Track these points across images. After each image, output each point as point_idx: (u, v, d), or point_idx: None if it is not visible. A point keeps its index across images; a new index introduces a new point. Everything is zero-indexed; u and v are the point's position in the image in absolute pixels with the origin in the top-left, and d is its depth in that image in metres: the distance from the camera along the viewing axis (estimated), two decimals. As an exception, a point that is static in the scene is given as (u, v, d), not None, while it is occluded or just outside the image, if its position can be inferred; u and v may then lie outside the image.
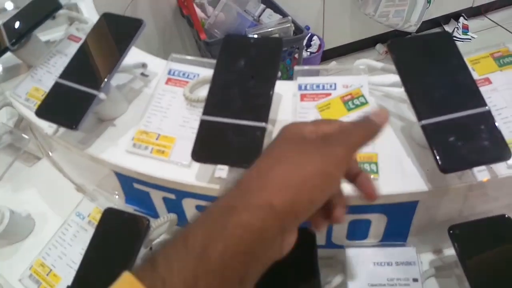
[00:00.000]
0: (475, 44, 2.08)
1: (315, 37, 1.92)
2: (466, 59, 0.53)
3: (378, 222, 0.51)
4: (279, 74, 1.61)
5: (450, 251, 0.54)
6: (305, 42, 1.90)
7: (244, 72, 0.46)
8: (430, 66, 0.47)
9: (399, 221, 0.51)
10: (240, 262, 0.24)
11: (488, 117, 0.44)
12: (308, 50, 1.92)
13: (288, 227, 0.27)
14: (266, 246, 0.25)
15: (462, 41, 2.15)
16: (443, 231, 0.50)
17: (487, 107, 0.44)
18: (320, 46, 1.91)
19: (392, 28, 1.85)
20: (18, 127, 0.82)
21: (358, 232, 0.53)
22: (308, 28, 1.89)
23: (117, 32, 0.57)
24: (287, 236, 0.27)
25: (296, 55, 1.66)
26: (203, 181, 0.50)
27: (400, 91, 0.55)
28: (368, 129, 0.32)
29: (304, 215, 0.27)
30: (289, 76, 1.67)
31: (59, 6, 0.66)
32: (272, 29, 1.55)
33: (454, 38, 2.19)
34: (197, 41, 1.66)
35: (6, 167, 0.76)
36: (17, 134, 0.79)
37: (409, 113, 0.53)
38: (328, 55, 1.99)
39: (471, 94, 0.45)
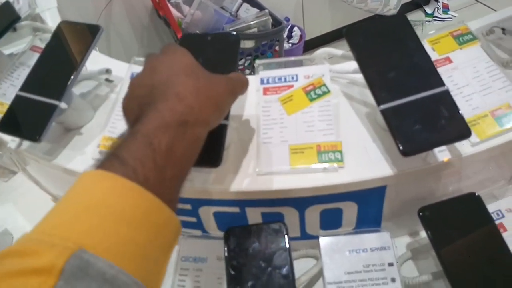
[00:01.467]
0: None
1: (295, 28, 1.91)
2: (426, 40, 0.53)
3: (349, 210, 0.51)
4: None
5: (425, 233, 0.54)
6: (286, 34, 1.89)
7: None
8: (386, 50, 0.47)
9: (370, 207, 0.51)
10: (190, 159, 0.33)
11: (446, 96, 0.43)
12: (289, 41, 1.92)
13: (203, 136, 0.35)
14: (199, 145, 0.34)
15: (444, 20, 2.14)
16: (416, 213, 0.50)
17: (445, 87, 0.44)
18: (301, 36, 1.90)
19: (372, 14, 1.84)
20: (-8, 143, 0.81)
21: (331, 221, 0.53)
22: (287, 19, 1.88)
23: (75, 40, 0.57)
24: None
25: (277, 48, 1.66)
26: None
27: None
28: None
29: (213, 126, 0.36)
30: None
31: (17, 18, 0.65)
32: (250, 23, 1.54)
33: (436, 18, 2.19)
34: (176, 41, 1.65)
35: (-18, 183, 0.75)
36: (-9, 150, 0.78)
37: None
38: (311, 45, 1.98)
39: (428, 75, 0.45)
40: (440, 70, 0.49)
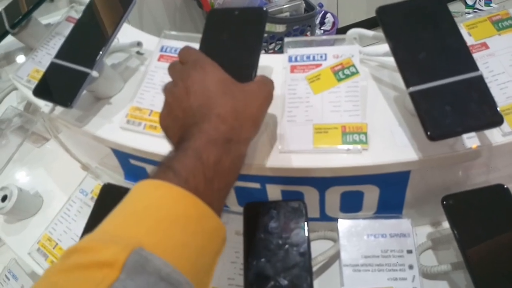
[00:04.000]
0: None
1: (328, 15, 1.88)
2: (463, 24, 0.51)
3: (370, 194, 0.51)
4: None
5: (448, 224, 0.53)
6: (318, 20, 1.86)
7: (228, 43, 0.46)
8: (419, 32, 0.45)
9: (392, 192, 0.51)
10: (235, 173, 0.35)
11: (479, 82, 0.42)
12: (321, 28, 1.89)
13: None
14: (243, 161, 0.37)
15: (485, 13, 2.05)
16: (440, 203, 0.49)
17: (479, 72, 0.42)
18: (334, 23, 1.87)
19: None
20: (28, 110, 0.84)
21: (351, 204, 0.53)
22: (321, 5, 1.84)
23: (108, 11, 0.58)
24: None
25: (308, 33, 1.63)
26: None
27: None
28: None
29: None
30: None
31: (55, -12, 0.67)
32: (282, 7, 1.53)
33: (476, 11, 2.10)
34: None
35: (16, 148, 0.79)
36: (26, 117, 0.82)
37: (403, 82, 0.52)
38: (343, 32, 1.94)
39: (462, 59, 0.43)
40: (476, 55, 0.48)
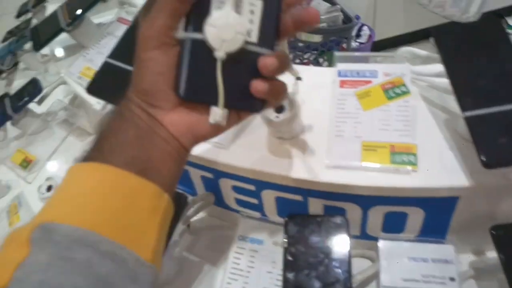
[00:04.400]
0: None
1: (365, 27, 1.86)
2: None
3: (415, 216, 0.50)
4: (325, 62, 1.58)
5: (493, 254, 0.52)
6: (354, 32, 1.85)
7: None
8: (477, 55, 0.45)
9: (438, 216, 0.49)
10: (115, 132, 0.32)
11: (542, 111, 0.41)
12: (357, 40, 1.87)
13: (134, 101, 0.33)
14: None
15: (528, 34, 1.99)
16: (486, 231, 0.48)
17: (541, 101, 0.41)
18: (370, 36, 1.85)
19: (448, 20, 1.75)
20: (73, 104, 0.87)
21: (393, 225, 0.52)
22: (358, 17, 1.83)
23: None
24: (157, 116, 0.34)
25: (344, 45, 1.62)
26: (239, 162, 0.51)
27: (446, 81, 0.52)
28: None
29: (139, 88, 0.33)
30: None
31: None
32: (321, 17, 1.53)
33: (519, 31, 2.04)
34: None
35: (61, 141, 0.81)
36: (71, 111, 0.84)
37: (455, 105, 0.51)
38: (379, 46, 1.92)
39: (524, 85, 0.42)
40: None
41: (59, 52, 0.83)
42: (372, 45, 1.85)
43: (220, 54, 0.30)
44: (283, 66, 0.31)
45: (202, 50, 0.30)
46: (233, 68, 0.30)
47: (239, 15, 0.30)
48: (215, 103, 0.31)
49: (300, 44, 1.56)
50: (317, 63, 1.60)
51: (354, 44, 1.82)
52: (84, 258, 0.26)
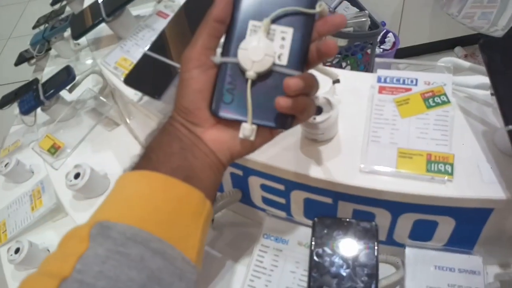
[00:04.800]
0: None
1: (390, 34, 1.86)
2: None
3: (445, 226, 0.50)
4: (347, 66, 1.58)
5: (520, 267, 0.52)
6: (379, 38, 1.84)
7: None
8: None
9: (469, 227, 0.49)
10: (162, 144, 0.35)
11: None
12: (381, 46, 1.86)
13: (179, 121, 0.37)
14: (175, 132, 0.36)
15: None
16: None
17: None
18: (394, 43, 1.84)
19: (475, 31, 1.73)
20: (102, 94, 0.89)
21: (422, 233, 0.52)
22: (384, 24, 1.83)
23: (203, 11, 0.60)
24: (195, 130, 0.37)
25: (369, 51, 1.62)
26: (271, 162, 0.52)
27: (485, 93, 0.52)
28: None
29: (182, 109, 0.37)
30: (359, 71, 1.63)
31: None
32: (348, 21, 1.52)
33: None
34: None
35: (89, 129, 0.83)
36: (100, 100, 0.86)
37: (493, 118, 0.51)
38: (402, 53, 1.91)
39: None
40: None
41: (90, 41, 0.85)
42: (396, 52, 1.84)
43: (250, 73, 0.33)
44: (309, 87, 0.34)
45: (236, 72, 0.34)
46: (263, 88, 0.34)
47: (270, 41, 0.33)
48: (245, 119, 0.34)
49: (325, 47, 1.56)
50: (339, 67, 1.60)
51: (378, 50, 1.82)
52: (138, 254, 0.29)
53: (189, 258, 0.31)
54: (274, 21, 0.34)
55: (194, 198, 0.33)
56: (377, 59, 0.53)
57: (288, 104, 0.32)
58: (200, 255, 0.33)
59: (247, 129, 0.34)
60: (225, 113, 0.34)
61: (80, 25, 0.72)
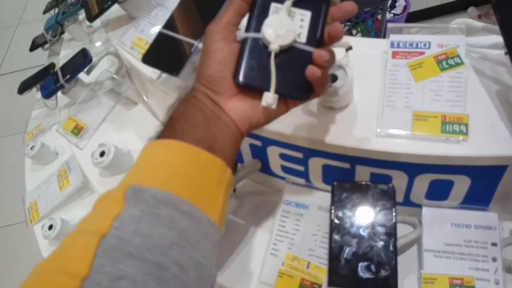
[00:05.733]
0: None
1: (400, -2, 1.82)
2: None
3: (460, 184, 0.52)
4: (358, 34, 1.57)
5: (534, 222, 0.53)
6: (389, 2, 1.80)
7: None
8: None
9: (484, 185, 0.51)
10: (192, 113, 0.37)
11: None
12: (391, 11, 1.83)
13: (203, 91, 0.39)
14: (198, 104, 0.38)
15: None
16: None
17: None
18: (405, 7, 1.80)
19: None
20: (118, 74, 0.90)
21: (438, 192, 0.54)
22: (393, -13, 1.78)
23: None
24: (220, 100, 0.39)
25: (379, 16, 1.59)
26: (289, 131, 0.53)
27: (499, 53, 0.52)
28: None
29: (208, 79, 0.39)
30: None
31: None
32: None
33: None
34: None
35: (109, 110, 0.85)
36: (118, 81, 0.88)
37: (507, 77, 0.51)
38: (414, 17, 1.87)
39: None
40: None
41: (104, 23, 0.86)
42: (407, 16, 1.80)
43: (274, 46, 0.36)
44: (332, 60, 0.37)
45: (259, 46, 0.37)
46: (284, 61, 0.37)
47: (291, 20, 0.37)
48: (267, 88, 0.36)
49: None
50: (350, 35, 1.58)
51: (388, 15, 1.79)
52: (168, 214, 0.31)
53: (213, 220, 0.34)
54: (294, 4, 0.37)
55: (217, 167, 0.36)
56: (389, 24, 0.54)
57: (318, 74, 0.36)
58: (222, 219, 0.36)
59: (270, 97, 0.36)
60: (249, 81, 0.37)
61: (94, 7, 0.73)
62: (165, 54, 0.60)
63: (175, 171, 0.34)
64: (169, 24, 0.61)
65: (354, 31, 1.58)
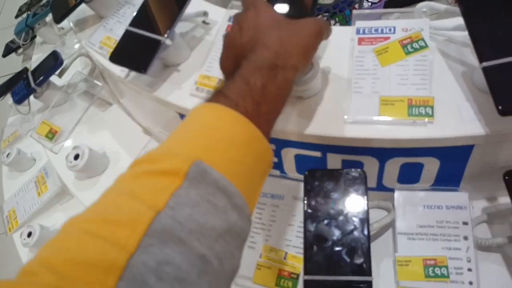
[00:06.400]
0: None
1: (376, -13, 1.82)
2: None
3: (430, 166, 0.52)
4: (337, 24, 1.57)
5: (505, 199, 0.54)
6: (365, -8, 1.81)
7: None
8: (495, 5, 0.45)
9: (453, 166, 0.52)
10: (282, 99, 0.37)
11: (557, 57, 0.42)
12: (369, 0, 1.84)
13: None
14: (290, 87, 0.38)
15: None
16: (499, 178, 0.50)
17: (557, 48, 0.42)
18: (381, -4, 1.82)
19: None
20: (92, 75, 0.89)
21: (409, 175, 0.54)
22: (369, -23, 1.79)
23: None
24: None
25: (357, 6, 1.60)
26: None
27: (464, 35, 0.53)
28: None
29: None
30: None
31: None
32: (331, -21, 1.50)
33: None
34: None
35: (83, 112, 0.84)
36: (91, 82, 0.87)
37: (472, 58, 0.52)
38: (392, 5, 1.88)
39: (540, 34, 0.43)
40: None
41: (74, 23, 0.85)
42: (384, 4, 1.81)
43: None
44: None
45: None
46: None
47: None
48: None
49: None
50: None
51: (366, 4, 1.79)
52: (224, 206, 0.30)
53: (250, 216, 0.33)
54: None
55: (268, 157, 0.35)
56: (354, 11, 0.54)
57: None
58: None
59: None
60: None
61: (61, 8, 0.72)
62: (132, 52, 0.59)
63: (237, 154, 0.32)
64: (136, 21, 0.60)
65: (332, 22, 1.59)
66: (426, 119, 0.47)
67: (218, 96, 0.34)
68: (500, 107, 0.41)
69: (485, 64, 0.43)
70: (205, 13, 0.66)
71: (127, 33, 0.60)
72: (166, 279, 0.25)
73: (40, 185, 0.91)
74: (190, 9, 0.67)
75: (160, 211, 0.27)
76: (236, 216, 0.30)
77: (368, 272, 0.49)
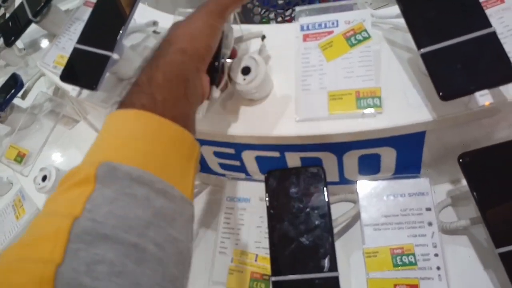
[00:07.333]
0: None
1: (344, -25, 1.82)
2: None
3: (387, 156, 0.52)
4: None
5: (466, 181, 0.54)
6: (333, -19, 1.81)
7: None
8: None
9: (409, 153, 0.52)
10: (175, 81, 0.36)
11: (492, 39, 0.42)
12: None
13: (200, 67, 0.40)
14: (189, 75, 0.38)
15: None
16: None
17: (492, 29, 0.42)
18: (350, -16, 1.81)
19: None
20: (57, 95, 0.89)
21: (369, 167, 0.54)
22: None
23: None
24: (202, 75, 0.40)
25: (324, -3, 1.60)
26: (215, 129, 0.53)
27: (409, 21, 0.53)
28: None
29: (207, 57, 0.41)
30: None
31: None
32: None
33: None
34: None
35: (50, 131, 0.83)
36: (56, 101, 0.86)
37: (417, 44, 0.52)
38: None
39: (474, 16, 0.43)
40: (490, 11, 0.47)
41: (27, 44, 0.84)
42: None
43: None
44: None
45: None
46: None
47: None
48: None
49: (280, 2, 1.54)
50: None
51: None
52: (143, 194, 0.30)
53: (186, 196, 0.33)
54: None
55: (188, 141, 0.35)
56: (297, 8, 0.54)
57: None
58: (192, 193, 0.35)
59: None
60: None
61: (10, 31, 0.71)
62: (82, 69, 0.58)
63: (147, 146, 0.33)
64: (83, 38, 0.59)
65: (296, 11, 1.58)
66: (374, 110, 0.47)
67: (118, 106, 0.35)
68: (441, 93, 0.41)
69: (423, 50, 0.43)
70: (154, 23, 0.65)
71: (75, 51, 0.59)
72: (102, 277, 0.25)
73: (17, 208, 0.90)
74: (140, 20, 0.66)
75: (78, 217, 0.27)
76: (162, 200, 0.31)
77: (334, 268, 0.49)
